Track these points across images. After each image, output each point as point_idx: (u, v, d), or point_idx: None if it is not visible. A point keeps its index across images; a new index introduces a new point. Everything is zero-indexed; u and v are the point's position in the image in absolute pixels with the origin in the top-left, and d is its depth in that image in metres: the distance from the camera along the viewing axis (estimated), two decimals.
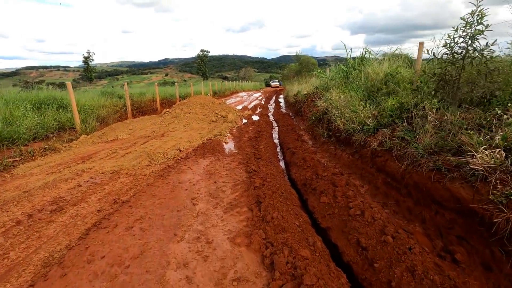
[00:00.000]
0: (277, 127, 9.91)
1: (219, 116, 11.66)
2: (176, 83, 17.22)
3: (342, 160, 4.64)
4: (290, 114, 12.42)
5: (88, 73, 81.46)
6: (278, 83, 50.20)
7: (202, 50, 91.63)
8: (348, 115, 5.03)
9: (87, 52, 79.13)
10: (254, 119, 11.79)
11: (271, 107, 17.19)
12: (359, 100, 5.57)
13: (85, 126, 8.17)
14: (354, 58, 8.49)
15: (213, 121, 10.73)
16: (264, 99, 23.44)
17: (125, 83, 10.87)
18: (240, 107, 17.16)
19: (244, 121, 11.64)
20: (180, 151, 6.35)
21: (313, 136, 7.08)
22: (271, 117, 12.59)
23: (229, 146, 7.21)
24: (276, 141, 7.75)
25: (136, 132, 8.76)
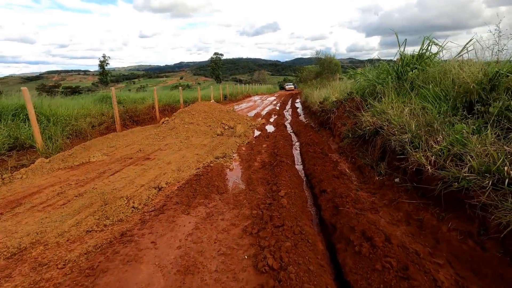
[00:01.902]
0: (297, 143, 7.74)
1: (226, 128, 9.61)
2: (180, 87, 15.35)
3: (449, 246, 2.36)
4: (312, 124, 10.21)
5: (104, 76, 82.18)
6: (293, 86, 48.00)
7: (215, 53, 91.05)
8: (442, 148, 2.81)
9: (103, 56, 79.78)
10: (268, 131, 9.66)
11: (288, 114, 15.00)
12: (446, 117, 3.35)
13: (52, 143, 6.28)
14: (398, 56, 6.22)
15: (218, 135, 8.69)
16: (279, 104, 21.27)
17: (112, 88, 9.03)
18: (252, 113, 15.10)
19: (257, 133, 9.54)
20: (160, 190, 4.30)
21: (355, 166, 4.87)
22: (288, 128, 10.41)
23: (234, 177, 5.11)
24: (301, 170, 5.57)
25: (117, 151, 6.82)
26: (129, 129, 9.38)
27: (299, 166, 5.72)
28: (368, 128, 4.69)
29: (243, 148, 7.26)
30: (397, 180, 3.51)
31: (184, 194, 4.01)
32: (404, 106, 4.26)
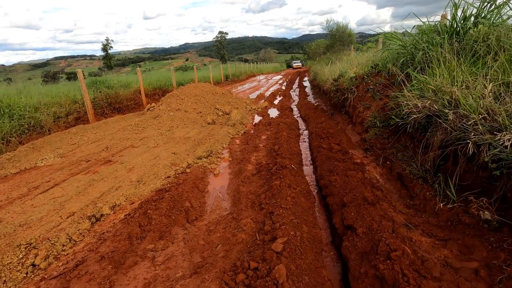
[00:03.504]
0: (306, 132, 6.13)
1: (220, 114, 8.03)
2: (172, 68, 13.66)
3: None
4: (324, 107, 8.49)
5: (108, 60, 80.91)
6: (300, 64, 45.42)
7: (220, 32, 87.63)
8: None
9: (106, 40, 78.11)
10: (271, 116, 8.05)
11: (295, 95, 13.23)
12: None
13: None
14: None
15: (208, 123, 7.14)
16: (285, 84, 19.36)
17: (79, 71, 7.48)
18: (254, 95, 13.40)
19: (257, 119, 7.95)
20: (97, 221, 2.84)
21: (392, 173, 3.26)
22: (295, 112, 8.76)
23: (215, 191, 3.61)
24: (311, 178, 4.02)
25: (78, 150, 5.39)
26: (107, 119, 7.91)
27: (308, 168, 4.15)
28: (413, 115, 3.04)
29: (237, 142, 5.71)
30: (487, 216, 1.94)
31: (127, 231, 2.54)
32: (484, 80, 2.57)
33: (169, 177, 3.87)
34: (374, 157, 3.83)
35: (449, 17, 4.36)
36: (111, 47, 78.77)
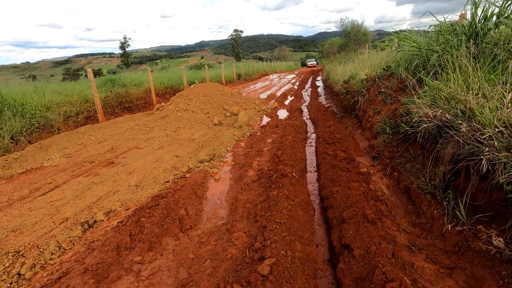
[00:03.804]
0: (314, 136, 5.92)
1: (228, 115, 7.93)
2: (183, 67, 13.70)
3: None
4: (335, 109, 8.23)
5: (125, 58, 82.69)
6: (315, 62, 44.77)
7: (235, 30, 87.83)
8: None
9: (123, 38, 79.86)
10: (280, 118, 7.89)
11: (306, 95, 12.97)
12: None
13: (1, 142, 5.00)
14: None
15: (215, 124, 7.06)
16: (298, 83, 19.06)
17: (89, 70, 7.57)
18: (265, 95, 13.24)
19: (266, 120, 7.80)
20: (90, 228, 2.79)
21: (399, 185, 3.04)
22: (305, 113, 8.54)
23: (214, 198, 3.51)
24: (314, 187, 3.85)
25: (84, 151, 5.44)
26: (116, 118, 7.98)
27: (312, 176, 3.97)
28: (423, 124, 2.81)
29: (242, 145, 5.60)
30: (500, 244, 1.73)
31: (117, 240, 2.47)
32: (503, 88, 2.32)
33: (167, 181, 3.80)
34: (382, 166, 3.61)
35: (468, 16, 4.07)
36: (128, 45, 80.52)
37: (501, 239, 1.77)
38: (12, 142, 5.40)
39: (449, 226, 2.08)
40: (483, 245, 1.77)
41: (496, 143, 1.93)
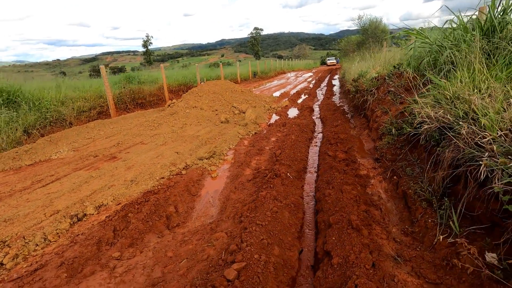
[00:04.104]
0: (321, 136, 5.73)
1: (237, 112, 7.88)
2: (196, 64, 13.81)
3: None
4: (346, 108, 7.95)
5: (148, 56, 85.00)
6: (335, 61, 43.77)
7: (255, 28, 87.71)
8: None
9: (146, 36, 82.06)
10: (289, 116, 7.75)
11: (321, 94, 12.68)
12: None
13: (6, 136, 5.21)
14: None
15: (222, 122, 7.03)
16: (314, 81, 18.71)
17: (102, 67, 7.77)
18: (278, 93, 13.08)
19: (275, 118, 7.67)
20: (78, 221, 2.83)
21: (397, 190, 2.84)
22: (316, 112, 8.32)
23: (207, 196, 3.46)
24: (310, 189, 3.71)
25: (91, 145, 5.58)
26: (127, 114, 8.16)
27: (311, 177, 3.82)
28: (425, 125, 2.60)
29: (245, 143, 5.52)
30: (492, 260, 1.54)
31: (100, 235, 2.47)
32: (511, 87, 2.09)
33: (163, 178, 3.80)
34: (383, 169, 3.41)
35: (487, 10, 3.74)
36: (150, 43, 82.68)
37: (494, 254, 1.58)
38: (24, 135, 5.63)
39: (441, 237, 1.90)
40: (472, 261, 1.59)
41: (495, 148, 1.72)
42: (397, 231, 2.30)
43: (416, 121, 2.80)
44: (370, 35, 17.11)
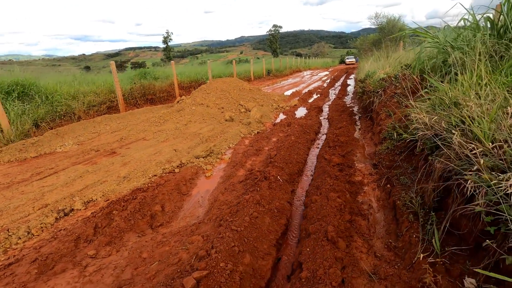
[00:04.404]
0: (324, 137, 5.55)
1: (243, 110, 7.82)
2: (208, 61, 13.82)
3: None
4: (355, 109, 7.69)
5: (167, 52, 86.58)
6: (354, 60, 42.69)
7: (274, 26, 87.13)
8: None
9: (166, 32, 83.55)
10: (296, 116, 7.60)
11: (333, 93, 12.38)
12: None
13: (15, 128, 5.41)
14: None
15: (226, 120, 6.98)
16: (328, 80, 18.32)
17: (112, 63, 7.91)
18: (289, 92, 12.87)
19: (281, 118, 7.55)
20: (65, 216, 2.86)
21: (389, 200, 2.67)
22: (324, 113, 8.11)
23: (196, 197, 3.43)
24: (300, 195, 3.60)
25: (96, 139, 5.69)
26: (135, 110, 8.29)
27: (306, 180, 3.70)
28: (420, 132, 2.42)
29: (246, 142, 5.45)
30: (470, 286, 1.39)
31: (80, 231, 2.49)
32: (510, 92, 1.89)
33: (155, 175, 3.80)
34: (378, 176, 3.24)
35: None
36: (170, 39, 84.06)
37: (473, 280, 1.43)
38: (33, 127, 5.83)
39: (421, 255, 1.75)
40: (449, 286, 1.44)
41: (482, 162, 1.56)
42: (381, 244, 2.15)
43: (412, 127, 2.62)
44: (387, 34, 16.47)
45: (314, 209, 2.53)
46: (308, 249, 1.97)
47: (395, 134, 3.66)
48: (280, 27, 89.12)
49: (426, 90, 2.85)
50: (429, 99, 2.69)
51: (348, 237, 2.09)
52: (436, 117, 2.23)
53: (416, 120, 2.57)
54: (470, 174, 1.56)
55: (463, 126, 2.04)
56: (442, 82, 2.85)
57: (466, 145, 1.81)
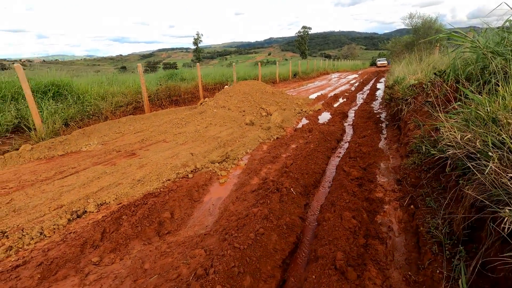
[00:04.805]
0: (346, 145, 5.26)
1: (264, 114, 7.69)
2: (233, 63, 13.88)
3: None
4: (382, 116, 7.27)
5: (197, 53, 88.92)
6: (385, 62, 40.99)
7: (303, 27, 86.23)
8: None
9: (196, 34, 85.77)
10: (318, 121, 7.35)
11: (361, 98, 11.88)
12: None
13: (47, 127, 5.70)
14: None
15: (246, 124, 6.89)
16: (357, 84, 17.66)
17: (139, 65, 8.14)
18: (314, 95, 12.55)
19: (303, 123, 7.33)
20: (78, 218, 2.91)
21: (412, 223, 2.40)
22: (350, 118, 7.77)
23: (207, 204, 3.36)
24: (312, 211, 3.40)
25: (119, 139, 5.86)
26: (158, 111, 8.48)
27: (323, 192, 3.49)
28: (451, 149, 2.15)
29: (264, 148, 5.32)
30: None
31: (88, 236, 2.51)
32: None
33: (169, 180, 3.79)
34: (402, 194, 2.96)
35: None
36: (200, 41, 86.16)
37: None
38: (63, 126, 6.13)
39: None
40: None
41: None
42: (398, 276, 1.92)
43: (441, 143, 2.34)
44: (422, 36, 15.48)
45: (326, 229, 2.34)
46: (313, 277, 1.80)
47: (423, 147, 3.34)
48: (310, 28, 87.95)
49: (459, 103, 2.54)
50: (462, 112, 2.38)
51: (360, 265, 1.89)
52: (469, 135, 1.96)
53: (446, 135, 2.29)
54: (509, 210, 1.31)
55: (502, 148, 1.76)
56: (479, 93, 2.53)
57: (505, 172, 1.55)
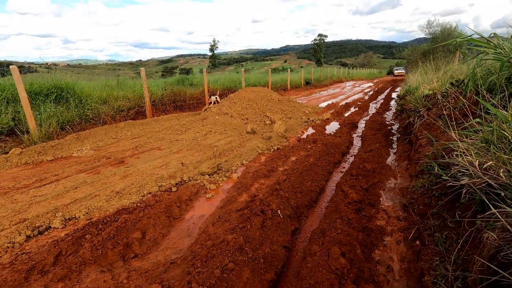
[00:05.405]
0: (351, 159, 4.81)
1: (268, 123, 7.34)
2: (243, 69, 13.65)
3: None
4: (394, 128, 6.74)
5: (213, 59, 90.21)
6: (403, 71, 39.87)
7: (320, 35, 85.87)
8: None
9: (213, 41, 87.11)
10: (325, 132, 6.94)
11: (374, 107, 11.31)
12: None
13: (40, 130, 5.57)
14: None
15: (247, 132, 6.55)
16: (371, 93, 17.03)
17: (142, 69, 7.98)
18: (325, 104, 12.09)
19: (309, 132, 6.92)
20: (39, 234, 2.63)
21: (416, 264, 1.97)
22: (359, 129, 7.29)
23: (186, 223, 3.02)
24: (301, 238, 2.98)
25: (114, 145, 5.66)
26: (160, 116, 8.28)
27: (319, 215, 3.08)
28: (465, 178, 1.71)
29: (262, 159, 4.95)
30: None
31: (38, 259, 2.21)
32: None
33: (150, 193, 3.48)
34: (407, 224, 2.51)
35: None
36: (217, 47, 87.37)
37: None
38: (60, 130, 5.99)
39: None
40: None
41: None
42: None
43: (453, 169, 1.90)
44: (440, 43, 14.76)
45: (310, 267, 1.94)
46: None
47: (436, 167, 2.88)
48: (326, 36, 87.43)
49: (478, 119, 2.09)
50: (482, 130, 1.94)
51: None
52: (491, 162, 1.52)
53: (462, 163, 1.85)
54: None
55: None
56: (504, 107, 2.08)
57: None
